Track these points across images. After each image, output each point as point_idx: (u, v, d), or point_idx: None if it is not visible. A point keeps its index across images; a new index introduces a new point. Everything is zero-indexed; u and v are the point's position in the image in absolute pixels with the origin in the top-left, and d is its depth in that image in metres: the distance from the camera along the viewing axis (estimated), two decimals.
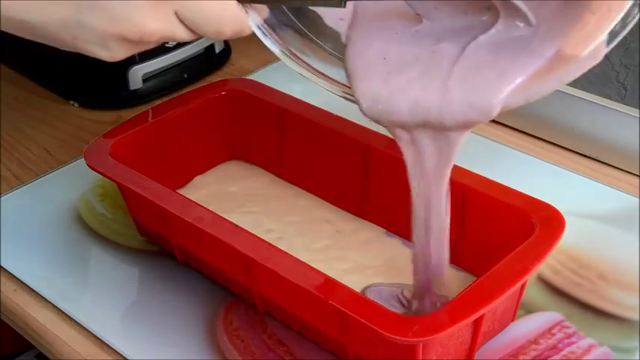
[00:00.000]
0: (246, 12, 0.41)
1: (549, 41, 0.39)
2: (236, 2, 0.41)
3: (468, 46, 0.41)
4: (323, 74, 0.45)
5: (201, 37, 0.42)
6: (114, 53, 0.41)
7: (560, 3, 0.40)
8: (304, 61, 0.45)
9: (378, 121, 0.43)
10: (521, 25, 0.40)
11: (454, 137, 0.42)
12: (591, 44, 0.39)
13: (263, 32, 0.44)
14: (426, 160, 0.44)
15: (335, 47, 0.46)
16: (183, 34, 0.41)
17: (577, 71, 0.40)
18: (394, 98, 0.42)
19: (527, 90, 0.40)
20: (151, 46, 0.42)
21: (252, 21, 0.42)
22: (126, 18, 0.40)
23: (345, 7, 0.40)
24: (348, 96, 0.44)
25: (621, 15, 0.38)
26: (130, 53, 0.42)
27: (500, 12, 0.41)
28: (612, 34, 0.39)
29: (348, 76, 0.43)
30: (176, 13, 0.40)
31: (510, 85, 0.39)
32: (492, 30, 0.41)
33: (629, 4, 0.38)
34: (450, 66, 0.41)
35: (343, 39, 0.45)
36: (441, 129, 0.42)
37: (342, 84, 0.44)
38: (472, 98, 0.40)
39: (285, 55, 0.45)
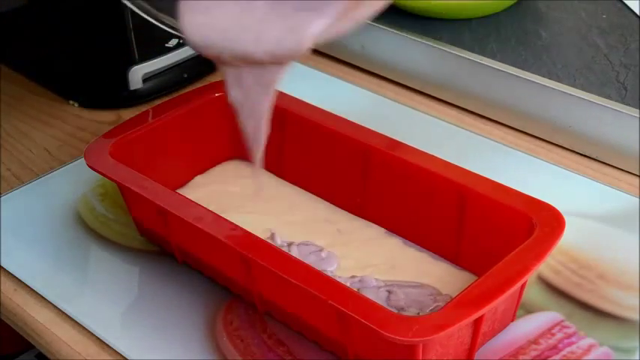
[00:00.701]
0: None
1: None
2: None
3: None
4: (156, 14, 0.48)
5: None
6: None
7: None
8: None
9: (204, 54, 0.45)
10: None
11: (271, 74, 0.45)
12: None
13: None
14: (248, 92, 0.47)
15: None
16: None
17: (370, 12, 0.43)
18: (214, 32, 0.44)
19: (330, 28, 0.42)
20: None
21: None
22: None
23: None
24: (176, 32, 0.47)
25: None
26: None
27: None
28: None
29: (178, 10, 0.45)
30: None
31: (318, 26, 0.42)
32: None
33: None
34: (266, 5, 0.43)
35: None
36: (254, 63, 0.44)
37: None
38: (283, 35, 0.43)
39: None
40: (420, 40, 0.72)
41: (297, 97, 0.61)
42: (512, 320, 0.51)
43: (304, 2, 0.43)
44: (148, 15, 0.49)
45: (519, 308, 0.51)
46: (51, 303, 0.54)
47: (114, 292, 0.55)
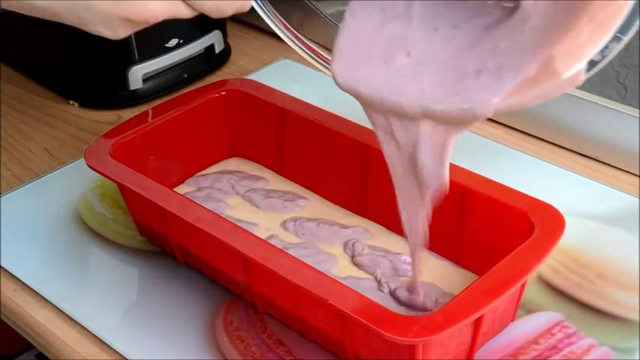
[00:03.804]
0: None
1: (542, 46, 0.38)
2: None
3: (461, 36, 0.40)
4: (313, 50, 0.47)
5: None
6: (119, 33, 0.43)
7: (559, 3, 0.39)
8: (297, 36, 0.47)
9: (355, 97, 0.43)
10: (519, 22, 0.39)
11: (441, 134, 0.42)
12: (579, 61, 0.38)
13: (261, 7, 0.45)
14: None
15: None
16: (186, 12, 0.42)
17: (557, 91, 0.39)
18: (369, 83, 0.42)
19: (510, 98, 0.39)
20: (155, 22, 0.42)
21: None
22: (130, 1, 0.41)
23: None
24: (327, 71, 0.45)
25: (615, 28, 0.37)
26: (133, 31, 0.43)
27: None
28: (591, 64, 0.38)
29: (333, 49, 0.44)
30: None
31: (504, 91, 0.38)
32: (487, 21, 0.40)
33: (622, 18, 0.37)
34: (437, 58, 0.40)
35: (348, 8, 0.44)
36: (417, 120, 0.41)
37: (326, 59, 0.46)
38: (460, 97, 0.39)
39: (280, 29, 0.46)
40: None
41: (297, 97, 0.61)
42: (512, 320, 0.51)
43: (487, 55, 0.39)
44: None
45: (519, 308, 0.51)
46: (51, 303, 0.54)
47: (114, 292, 0.55)
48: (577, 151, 0.66)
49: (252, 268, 0.49)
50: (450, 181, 0.53)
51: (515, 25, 0.39)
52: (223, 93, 0.62)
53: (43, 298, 0.55)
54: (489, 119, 0.69)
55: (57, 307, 0.54)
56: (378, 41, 0.42)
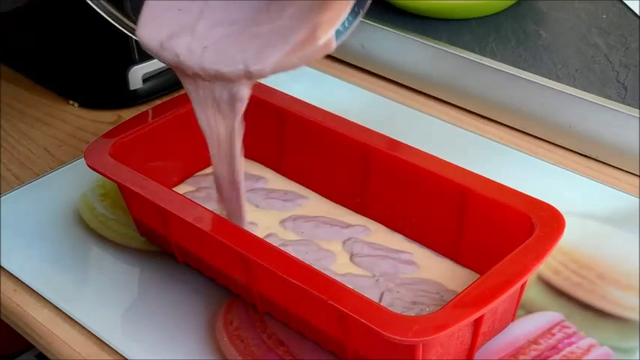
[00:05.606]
0: None
1: (312, 16, 0.44)
2: None
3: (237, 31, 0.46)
4: (118, 16, 0.52)
5: None
6: None
7: None
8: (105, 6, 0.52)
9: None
10: None
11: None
12: (334, 27, 0.44)
13: None
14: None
15: None
16: None
17: (315, 55, 0.45)
18: (167, 45, 0.49)
19: (282, 61, 0.45)
20: None
21: None
22: None
23: None
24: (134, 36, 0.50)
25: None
26: None
27: None
28: (338, 33, 0.44)
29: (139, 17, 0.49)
30: None
31: (275, 56, 0.45)
32: None
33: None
34: (218, 22, 0.46)
35: None
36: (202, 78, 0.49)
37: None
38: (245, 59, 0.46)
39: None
40: (420, 40, 0.72)
41: (297, 97, 0.61)
42: (512, 320, 0.51)
43: (262, 23, 0.45)
44: (110, 17, 0.52)
45: (519, 308, 0.51)
46: (51, 303, 0.54)
47: (114, 292, 0.55)
48: (577, 150, 0.66)
49: (252, 268, 0.49)
50: (450, 181, 0.53)
51: None
52: None
53: (43, 298, 0.55)
54: (490, 119, 0.70)
55: (57, 307, 0.54)
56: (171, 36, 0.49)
